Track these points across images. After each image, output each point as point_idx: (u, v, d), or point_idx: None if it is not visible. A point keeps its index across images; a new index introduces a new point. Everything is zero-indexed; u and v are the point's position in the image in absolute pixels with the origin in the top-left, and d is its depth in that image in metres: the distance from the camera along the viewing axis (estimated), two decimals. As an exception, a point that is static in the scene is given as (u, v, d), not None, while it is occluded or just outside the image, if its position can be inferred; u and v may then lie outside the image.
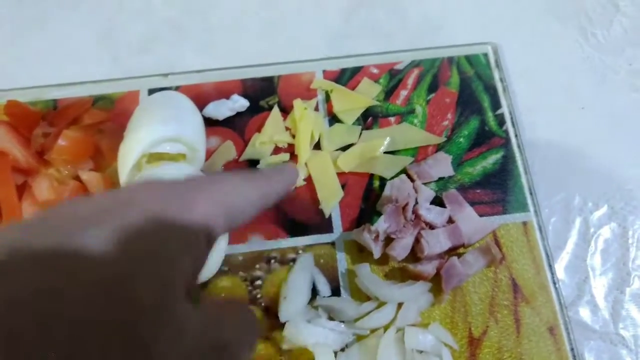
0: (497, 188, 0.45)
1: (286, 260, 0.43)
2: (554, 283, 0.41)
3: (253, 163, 0.46)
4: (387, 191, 0.43)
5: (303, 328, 0.38)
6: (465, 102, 0.48)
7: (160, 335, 0.15)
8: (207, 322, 0.17)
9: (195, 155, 0.44)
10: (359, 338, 0.40)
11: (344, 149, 0.46)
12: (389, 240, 0.42)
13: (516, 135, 0.46)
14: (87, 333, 0.14)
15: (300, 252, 0.43)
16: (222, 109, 0.48)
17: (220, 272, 0.42)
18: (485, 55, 0.50)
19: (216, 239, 0.20)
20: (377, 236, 0.41)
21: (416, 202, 0.43)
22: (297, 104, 0.47)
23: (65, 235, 0.16)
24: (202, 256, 0.19)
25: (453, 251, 0.42)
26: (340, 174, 0.45)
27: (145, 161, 0.42)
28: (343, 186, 0.45)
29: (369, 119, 0.48)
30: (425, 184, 0.44)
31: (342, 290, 0.42)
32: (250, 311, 0.21)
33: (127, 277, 0.15)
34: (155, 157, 0.42)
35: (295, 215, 0.44)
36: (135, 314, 0.15)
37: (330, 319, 0.40)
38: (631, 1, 0.52)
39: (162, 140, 0.41)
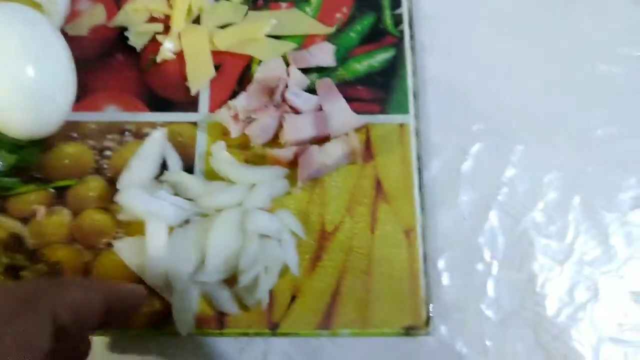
0: (380, 87, 0.42)
1: (142, 135, 0.40)
2: (420, 188, 0.40)
3: (123, 30, 0.42)
4: (258, 73, 0.40)
5: (137, 196, 0.35)
6: (363, -2, 0.45)
7: None
8: None
9: (52, 9, 0.39)
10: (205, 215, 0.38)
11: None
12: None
13: (411, 37, 0.44)
14: None
15: (158, 127, 0.40)
16: (98, -30, 0.43)
17: (68, 138, 0.39)
18: (395, -48, 0.46)
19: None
20: (236, 115, 0.38)
21: (287, 87, 0.40)
22: (180, -27, 0.43)
23: None
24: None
25: (319, 143, 0.40)
26: (218, 54, 0.42)
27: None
28: (218, 67, 0.42)
29: (259, 1, 0.44)
30: (305, 73, 0.41)
31: (197, 172, 0.39)
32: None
33: None
34: (1, -1, 0.38)
35: (158, 89, 0.41)
36: None
37: (176, 196, 0.38)
38: None
39: (7, -21, 0.37)
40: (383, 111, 0.41)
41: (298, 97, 0.39)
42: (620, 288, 0.39)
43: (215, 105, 0.41)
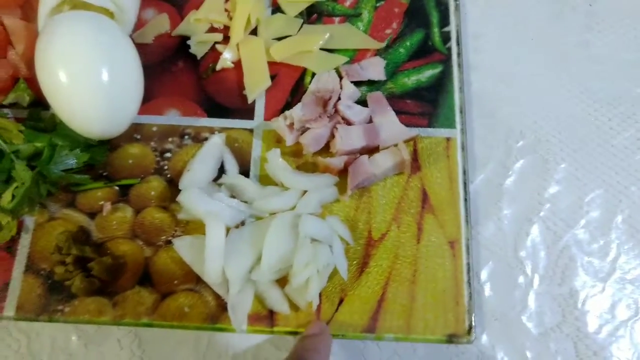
0: (427, 102, 0.43)
1: (200, 138, 0.42)
2: (465, 200, 0.41)
3: (184, 39, 0.45)
4: (312, 85, 0.42)
5: (198, 196, 0.37)
6: (413, 15, 0.46)
7: None
8: None
9: (123, 17, 0.42)
10: (259, 220, 0.39)
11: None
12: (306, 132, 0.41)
13: (459, 54, 0.45)
14: None
15: (216, 132, 0.42)
16: (163, -18, 0.46)
17: (132, 139, 0.42)
18: (445, -28, 0.48)
19: None
20: (292, 124, 0.40)
21: (340, 99, 0.42)
22: (241, -13, 0.45)
23: None
24: None
25: (369, 153, 0.41)
26: (274, 65, 0.44)
27: (68, 8, 0.40)
28: (274, 77, 0.44)
29: (314, 15, 0.46)
30: (356, 86, 0.43)
31: (252, 176, 0.41)
32: None
33: None
34: (79, 6, 0.40)
35: (216, 96, 0.43)
36: None
37: (233, 198, 0.40)
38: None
39: (86, -11, 0.39)
40: (430, 124, 0.43)
41: (350, 109, 0.41)
42: (661, 308, 0.39)
43: (270, 114, 0.43)
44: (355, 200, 0.40)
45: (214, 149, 0.40)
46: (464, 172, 0.42)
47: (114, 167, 0.41)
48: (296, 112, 0.40)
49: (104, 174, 0.40)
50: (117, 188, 0.40)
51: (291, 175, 0.39)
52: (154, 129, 0.42)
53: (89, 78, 0.36)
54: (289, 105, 0.43)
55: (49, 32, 0.37)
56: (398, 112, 0.43)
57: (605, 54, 0.46)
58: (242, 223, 0.39)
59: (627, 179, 0.42)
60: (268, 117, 0.43)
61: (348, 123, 0.41)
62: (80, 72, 0.36)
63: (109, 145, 0.41)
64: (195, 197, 0.37)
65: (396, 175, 0.41)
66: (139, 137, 0.42)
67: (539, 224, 0.41)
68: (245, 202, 0.39)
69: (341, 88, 0.42)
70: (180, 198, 0.38)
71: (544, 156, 0.43)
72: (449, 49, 0.45)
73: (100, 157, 0.40)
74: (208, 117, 0.43)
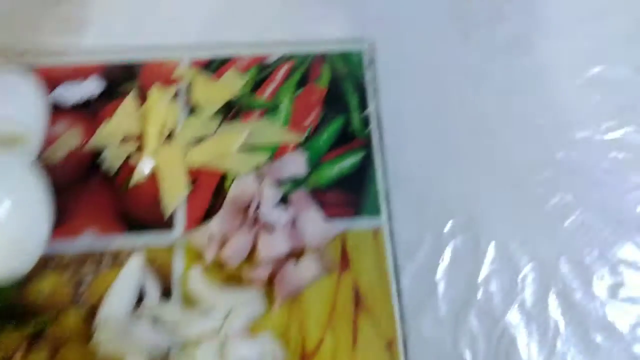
0: (352, 191, 0.43)
1: (118, 262, 0.40)
2: (398, 295, 0.40)
3: (99, 152, 0.43)
4: (231, 192, 0.41)
5: (115, 332, 0.35)
6: (332, 101, 0.46)
7: None
8: None
9: (28, 140, 0.40)
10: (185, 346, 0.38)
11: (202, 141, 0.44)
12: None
13: (380, 138, 0.45)
14: None
15: (135, 253, 0.40)
16: (71, 93, 0.44)
17: (43, 272, 0.39)
18: (360, 53, 0.48)
19: None
20: (211, 238, 0.39)
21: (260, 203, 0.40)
22: (153, 92, 0.44)
23: None
24: None
25: (296, 257, 0.40)
26: (192, 170, 0.43)
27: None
28: (194, 182, 0.42)
29: (232, 111, 0.45)
30: (279, 182, 0.42)
31: (175, 296, 0.39)
32: None
33: None
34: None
35: (135, 211, 0.41)
36: None
37: (156, 324, 0.38)
38: (514, 8, 0.51)
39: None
40: (357, 213, 0.42)
41: (272, 213, 0.39)
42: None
43: (192, 222, 0.41)
44: (286, 310, 0.39)
45: (131, 274, 0.38)
46: (395, 264, 0.41)
47: (24, 306, 0.38)
48: (214, 226, 0.39)
49: (14, 314, 0.38)
50: (30, 329, 0.37)
51: (214, 293, 0.37)
52: (68, 256, 0.40)
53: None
54: (212, 209, 0.41)
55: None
56: (323, 204, 0.42)
57: (523, 121, 0.47)
58: (168, 350, 0.37)
59: (557, 249, 0.42)
60: (190, 226, 0.41)
61: (271, 227, 0.40)
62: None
63: (17, 282, 0.38)
64: (112, 334, 0.35)
65: (326, 277, 0.40)
66: (51, 267, 0.39)
67: (475, 309, 0.41)
68: (168, 328, 0.37)
69: (261, 191, 0.41)
70: (99, 335, 0.36)
71: (475, 235, 0.43)
72: (369, 134, 0.45)
73: (6, 298, 0.37)
74: (127, 233, 0.41)
